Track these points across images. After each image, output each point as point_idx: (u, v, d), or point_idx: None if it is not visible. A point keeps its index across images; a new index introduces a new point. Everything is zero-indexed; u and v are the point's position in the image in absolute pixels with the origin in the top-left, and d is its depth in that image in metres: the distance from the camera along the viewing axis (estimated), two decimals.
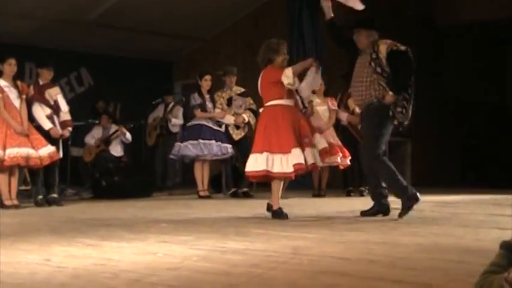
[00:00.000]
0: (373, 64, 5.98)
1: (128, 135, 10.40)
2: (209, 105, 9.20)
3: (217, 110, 9.20)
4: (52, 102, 7.95)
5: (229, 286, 2.90)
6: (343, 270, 3.33)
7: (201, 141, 9.04)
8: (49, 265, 3.49)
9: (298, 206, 7.24)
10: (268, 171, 5.89)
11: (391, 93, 5.92)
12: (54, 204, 7.75)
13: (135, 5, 11.09)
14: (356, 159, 8.55)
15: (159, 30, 11.97)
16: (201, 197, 9.07)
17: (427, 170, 12.22)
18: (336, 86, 9.10)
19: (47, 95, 7.93)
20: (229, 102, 9.26)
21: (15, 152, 7.36)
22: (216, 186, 9.78)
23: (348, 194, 9.32)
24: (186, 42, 13.06)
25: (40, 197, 7.81)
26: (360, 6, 6.16)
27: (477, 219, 5.98)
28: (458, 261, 3.54)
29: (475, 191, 9.47)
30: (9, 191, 7.48)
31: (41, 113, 7.85)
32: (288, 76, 5.93)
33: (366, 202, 6.45)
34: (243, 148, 8.75)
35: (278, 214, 5.94)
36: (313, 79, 6.26)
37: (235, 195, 9.25)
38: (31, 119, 7.77)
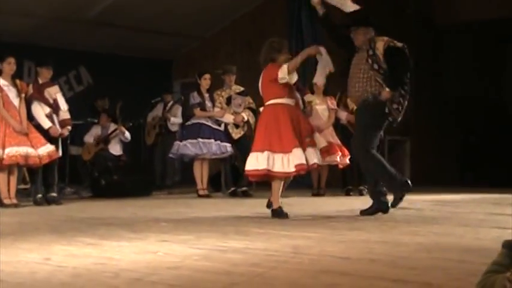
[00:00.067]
0: (370, 61, 6.01)
1: (127, 134, 10.39)
2: (208, 104, 9.19)
3: (217, 109, 9.19)
4: (51, 101, 7.94)
5: (231, 285, 2.90)
6: (344, 269, 3.33)
7: (200, 140, 9.03)
8: (49, 264, 3.48)
9: (298, 205, 7.24)
10: (269, 170, 5.88)
11: (387, 89, 5.94)
12: (53, 203, 7.74)
13: (134, 3, 11.07)
14: (356, 158, 8.54)
15: (158, 28, 11.96)
16: (200, 196, 9.06)
17: (426, 169, 12.22)
18: (335, 85, 9.09)
19: (46, 94, 7.91)
20: (229, 101, 9.25)
21: (14, 150, 7.36)
22: (215, 185, 9.77)
23: (347, 193, 9.31)
24: (185, 41, 13.05)
25: (39, 195, 7.80)
26: (349, 8, 6.15)
27: (477, 218, 5.98)
28: (458, 261, 3.54)
29: (474, 190, 9.46)
30: (9, 190, 7.47)
31: (40, 111, 7.84)
32: (282, 71, 5.91)
33: (366, 201, 6.45)
34: (242, 147, 8.74)
35: (278, 213, 5.94)
36: (324, 63, 6.18)
37: (234, 194, 9.23)
38: (30, 117, 7.76)
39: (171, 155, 9.49)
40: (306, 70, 9.53)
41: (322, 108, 9.19)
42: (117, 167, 9.84)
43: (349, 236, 4.70)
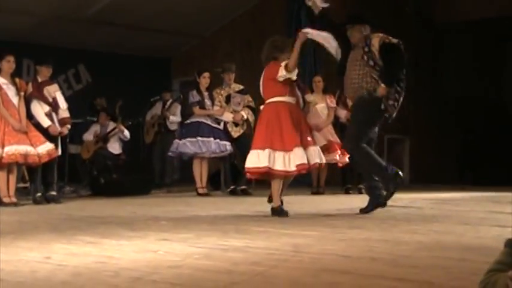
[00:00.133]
0: (365, 57, 6.03)
1: (126, 133, 10.37)
2: (207, 102, 9.18)
3: (216, 107, 9.18)
4: (51, 100, 7.93)
5: (231, 284, 2.89)
6: (345, 268, 3.32)
7: (199, 138, 9.02)
8: (49, 263, 3.47)
9: (297, 203, 7.23)
10: (270, 168, 5.87)
11: (383, 85, 5.95)
12: (52, 202, 7.73)
13: (134, 1, 11.07)
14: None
15: (157, 27, 11.95)
16: (199, 195, 9.06)
17: (425, 169, 12.23)
18: (334, 83, 9.08)
19: (45, 92, 7.90)
20: (228, 99, 9.24)
21: (14, 149, 7.34)
22: (215, 184, 9.78)
23: (347, 192, 9.32)
24: (185, 39, 13.05)
25: (38, 194, 7.79)
26: (319, 7, 6.17)
27: (477, 216, 5.98)
28: (459, 259, 3.54)
29: (474, 189, 9.47)
30: (8, 188, 7.46)
31: (39, 110, 7.83)
32: (283, 70, 5.91)
33: (365, 199, 6.44)
34: (242, 145, 8.73)
35: (278, 211, 5.93)
36: (323, 41, 6.18)
37: (233, 193, 9.23)
38: (29, 116, 7.74)
39: (170, 154, 9.49)
40: (306, 70, 9.52)
41: (321, 106, 9.20)
42: (116, 165, 9.83)
43: (350, 234, 4.69)
